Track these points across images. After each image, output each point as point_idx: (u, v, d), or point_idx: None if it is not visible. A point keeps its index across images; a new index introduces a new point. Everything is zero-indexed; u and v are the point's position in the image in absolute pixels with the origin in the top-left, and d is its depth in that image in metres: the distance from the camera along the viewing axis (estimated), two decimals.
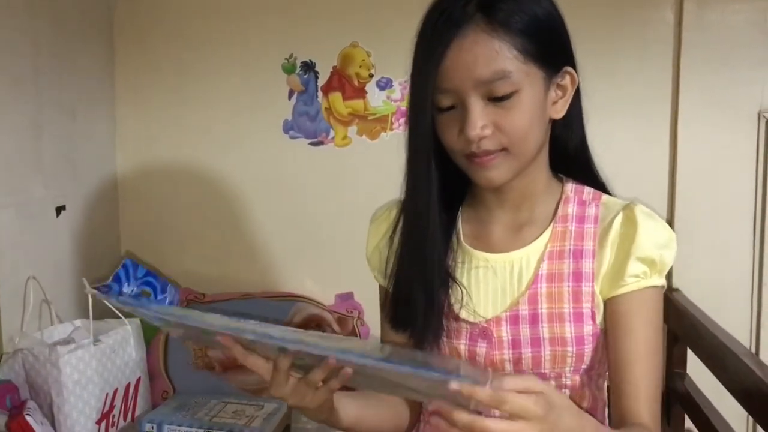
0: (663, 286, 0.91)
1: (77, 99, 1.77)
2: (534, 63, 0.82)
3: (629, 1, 1.79)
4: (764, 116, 1.76)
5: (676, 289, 1.69)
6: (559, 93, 0.88)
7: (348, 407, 0.91)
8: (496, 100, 0.82)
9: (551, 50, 0.84)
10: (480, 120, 0.82)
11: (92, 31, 1.87)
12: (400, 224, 0.96)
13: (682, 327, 1.51)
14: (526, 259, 0.92)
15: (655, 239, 0.88)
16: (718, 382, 1.24)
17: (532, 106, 0.83)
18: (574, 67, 0.88)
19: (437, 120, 0.86)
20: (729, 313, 1.62)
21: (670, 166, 1.81)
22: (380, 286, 1.04)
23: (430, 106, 0.85)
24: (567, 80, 0.87)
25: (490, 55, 0.80)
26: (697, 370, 1.44)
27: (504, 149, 0.84)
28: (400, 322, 0.97)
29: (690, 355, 1.50)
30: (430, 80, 0.83)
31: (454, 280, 0.93)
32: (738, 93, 1.76)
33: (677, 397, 1.52)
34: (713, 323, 1.38)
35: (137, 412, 1.60)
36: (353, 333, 1.86)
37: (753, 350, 1.80)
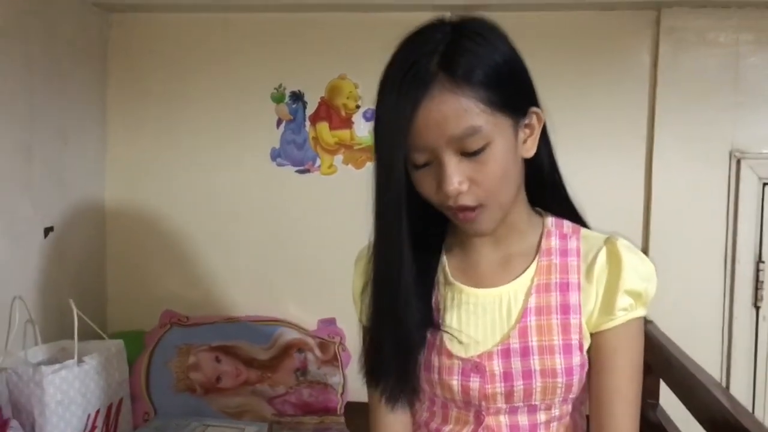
0: (644, 316, 0.93)
1: (69, 123, 1.79)
2: (501, 112, 0.82)
3: (608, 43, 1.86)
4: (735, 155, 1.82)
5: (650, 321, 1.73)
6: (527, 132, 0.88)
7: None
8: (469, 154, 0.82)
9: (516, 96, 0.85)
10: (456, 176, 0.82)
11: (85, 56, 1.90)
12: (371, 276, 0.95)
13: (655, 358, 1.54)
14: (514, 293, 0.93)
15: (639, 272, 0.90)
16: (689, 413, 1.28)
17: (505, 154, 0.84)
18: (538, 104, 0.89)
19: (413, 176, 0.87)
20: (700, 345, 1.66)
21: (645, 201, 1.87)
22: (363, 328, 1.01)
23: (402, 166, 0.84)
24: (534, 119, 0.88)
25: (458, 113, 0.80)
26: (669, 400, 1.47)
27: (481, 205, 0.85)
28: (373, 378, 0.97)
29: (662, 386, 1.53)
30: (401, 141, 0.82)
31: (439, 327, 0.94)
32: (710, 133, 1.83)
33: (649, 427, 1.55)
34: (684, 354, 1.41)
35: None
36: (334, 358, 1.88)
37: (724, 382, 1.84)
